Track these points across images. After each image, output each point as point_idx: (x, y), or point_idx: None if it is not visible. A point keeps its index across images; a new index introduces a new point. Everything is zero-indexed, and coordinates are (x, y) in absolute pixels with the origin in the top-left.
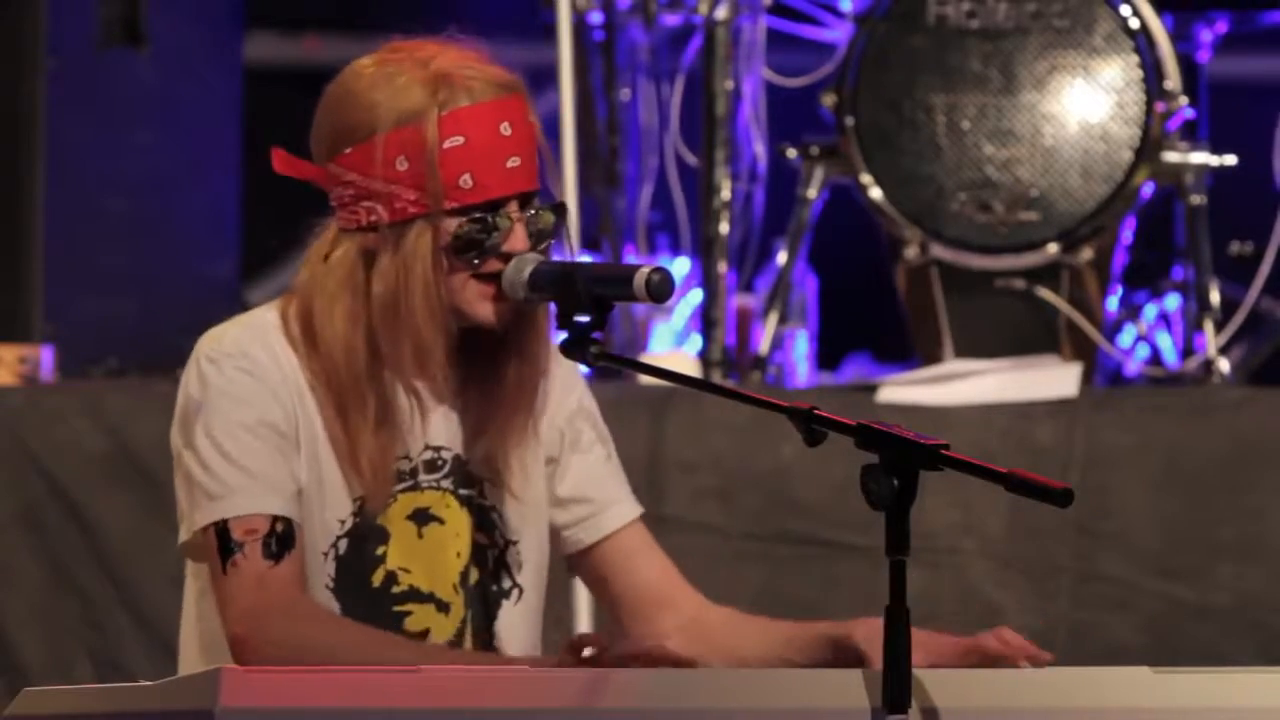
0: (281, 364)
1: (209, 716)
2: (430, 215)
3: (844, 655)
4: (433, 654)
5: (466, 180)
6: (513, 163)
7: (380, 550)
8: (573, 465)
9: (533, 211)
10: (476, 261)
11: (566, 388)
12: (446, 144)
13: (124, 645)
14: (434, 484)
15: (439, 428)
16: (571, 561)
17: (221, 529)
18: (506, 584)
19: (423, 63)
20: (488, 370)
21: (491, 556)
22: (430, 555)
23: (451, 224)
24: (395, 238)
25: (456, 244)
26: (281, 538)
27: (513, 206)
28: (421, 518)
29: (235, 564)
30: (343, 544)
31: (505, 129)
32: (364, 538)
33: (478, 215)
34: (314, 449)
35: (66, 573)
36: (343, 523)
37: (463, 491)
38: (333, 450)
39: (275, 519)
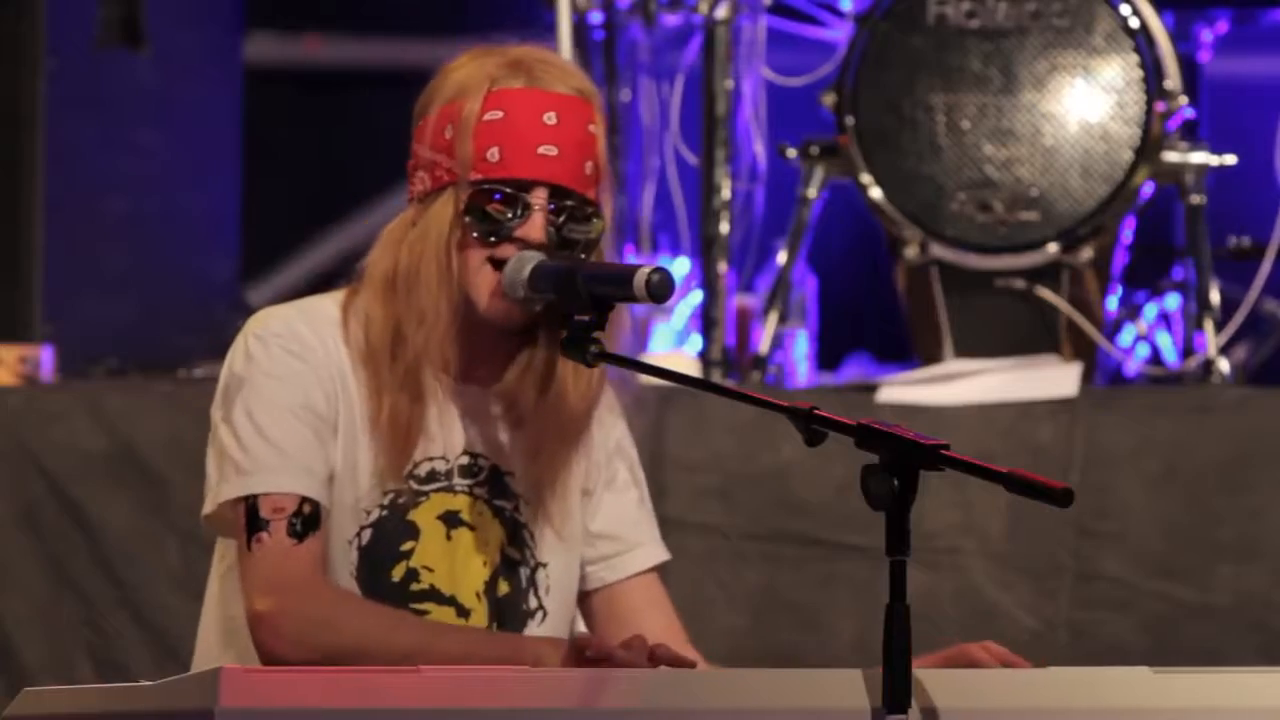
0: (329, 348)
1: (209, 716)
2: (457, 184)
3: None
4: (452, 633)
5: (494, 153)
6: (546, 150)
7: (407, 546)
8: (605, 502)
9: (556, 206)
10: (492, 239)
11: (606, 427)
12: (486, 116)
13: (124, 645)
14: (468, 489)
15: (481, 436)
16: (583, 598)
17: (250, 505)
18: (533, 604)
19: (506, 51)
20: (543, 394)
21: (524, 574)
22: (456, 559)
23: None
24: (428, 205)
25: (472, 215)
26: (307, 519)
27: (539, 194)
28: (452, 520)
29: (260, 540)
30: (366, 534)
31: (550, 118)
32: (392, 531)
33: (500, 191)
34: (352, 435)
35: (66, 573)
36: (369, 513)
37: (497, 503)
38: (370, 435)
39: (303, 500)
